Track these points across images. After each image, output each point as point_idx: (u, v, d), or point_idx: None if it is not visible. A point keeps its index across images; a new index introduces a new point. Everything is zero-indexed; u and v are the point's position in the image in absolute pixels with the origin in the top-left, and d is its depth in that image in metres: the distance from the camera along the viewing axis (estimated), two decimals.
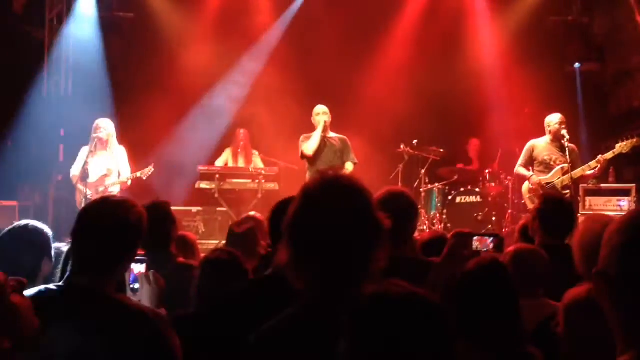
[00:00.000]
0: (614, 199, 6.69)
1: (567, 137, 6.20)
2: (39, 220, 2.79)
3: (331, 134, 6.82)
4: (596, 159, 6.16)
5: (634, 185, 6.73)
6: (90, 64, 8.46)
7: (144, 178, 6.61)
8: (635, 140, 6.15)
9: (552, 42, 8.88)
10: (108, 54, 8.60)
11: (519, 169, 6.57)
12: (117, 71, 8.67)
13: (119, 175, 6.53)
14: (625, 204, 6.57)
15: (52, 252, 2.63)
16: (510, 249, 2.77)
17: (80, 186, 6.38)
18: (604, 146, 6.44)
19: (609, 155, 6.18)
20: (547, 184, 6.31)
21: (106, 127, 6.46)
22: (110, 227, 1.83)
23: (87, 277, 1.81)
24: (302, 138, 6.75)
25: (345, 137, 6.83)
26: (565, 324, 1.91)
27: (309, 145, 6.60)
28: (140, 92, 8.38)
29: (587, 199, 6.78)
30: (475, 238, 2.37)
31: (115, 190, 6.41)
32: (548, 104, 7.41)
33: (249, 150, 8.01)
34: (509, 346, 1.99)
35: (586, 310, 1.82)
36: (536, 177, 6.36)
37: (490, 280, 2.03)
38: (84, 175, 6.30)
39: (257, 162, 7.95)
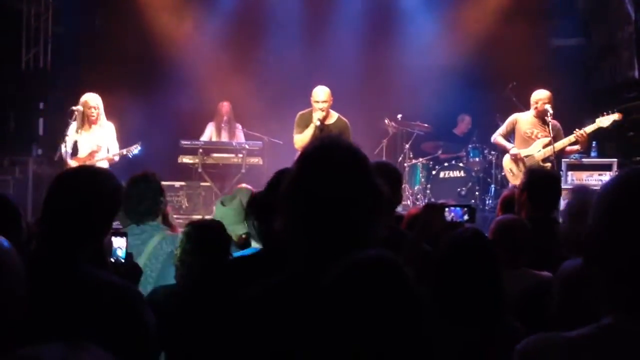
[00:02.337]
0: (596, 173, 6.75)
1: (551, 112, 6.20)
2: (18, 194, 2.71)
3: (331, 120, 6.25)
4: (576, 133, 6.14)
5: (615, 159, 6.80)
6: (70, 36, 8.30)
7: (130, 156, 6.51)
8: (616, 115, 6.16)
9: (538, 16, 8.85)
10: (88, 26, 8.44)
11: (498, 138, 6.54)
12: (97, 43, 8.51)
13: (108, 151, 6.47)
14: (607, 179, 6.61)
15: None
16: (497, 219, 2.81)
17: (70, 161, 6.31)
18: (587, 121, 6.47)
19: (591, 128, 6.17)
20: (526, 156, 6.34)
21: (95, 102, 6.36)
22: (83, 197, 1.77)
23: (57, 247, 1.75)
24: (297, 118, 6.31)
25: (346, 121, 6.32)
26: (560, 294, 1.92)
27: (300, 140, 6.16)
28: (121, 65, 8.25)
29: (569, 173, 6.84)
30: (448, 209, 2.38)
31: (103, 166, 6.30)
32: (533, 79, 7.41)
33: (232, 124, 7.93)
34: (491, 318, 2.01)
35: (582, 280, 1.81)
36: (516, 149, 6.38)
37: (473, 251, 2.04)
38: (74, 151, 6.27)
39: (240, 136, 7.89)
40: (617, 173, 1.19)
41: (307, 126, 6.23)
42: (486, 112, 8.45)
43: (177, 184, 7.69)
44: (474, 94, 8.65)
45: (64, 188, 1.81)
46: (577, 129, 6.16)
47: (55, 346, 1.00)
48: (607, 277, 1.11)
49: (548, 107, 6.20)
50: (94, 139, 6.38)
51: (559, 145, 6.18)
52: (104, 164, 6.33)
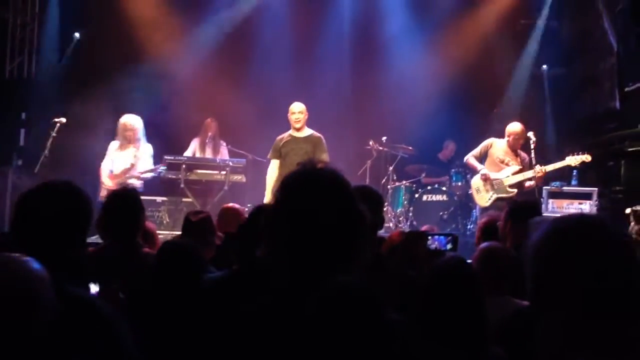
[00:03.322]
0: (576, 202, 6.83)
1: (534, 139, 6.47)
2: None
3: (304, 133, 6.73)
4: (535, 170, 6.40)
5: (596, 188, 6.88)
6: (55, 45, 8.25)
7: (156, 174, 6.81)
8: (585, 157, 6.42)
9: (522, 45, 9.00)
10: (74, 36, 8.40)
11: (470, 159, 6.81)
12: (83, 54, 8.47)
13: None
14: (586, 207, 6.71)
15: None
16: (481, 246, 2.82)
17: (105, 179, 6.57)
18: (568, 149, 6.59)
19: (549, 167, 6.46)
20: (495, 179, 6.57)
21: (132, 125, 6.60)
22: (50, 214, 1.74)
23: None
24: (275, 142, 6.78)
25: (319, 136, 6.73)
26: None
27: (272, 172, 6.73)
28: (106, 78, 8.20)
29: (550, 201, 6.91)
30: (431, 237, 2.39)
31: (135, 184, 6.57)
32: (516, 106, 7.52)
33: (217, 141, 7.90)
34: (474, 345, 2.02)
35: None
36: (486, 170, 6.62)
37: (457, 279, 2.05)
38: (110, 170, 6.60)
39: (225, 153, 7.87)
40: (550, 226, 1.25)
41: (279, 151, 6.74)
42: (470, 136, 8.53)
43: (159, 199, 7.60)
44: (459, 119, 8.73)
45: (28, 207, 1.78)
46: (539, 165, 6.38)
47: None
48: (570, 320, 1.15)
49: (531, 134, 6.50)
50: (129, 158, 6.63)
51: (519, 176, 6.47)
52: (136, 182, 6.62)
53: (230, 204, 4.46)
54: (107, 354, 1.67)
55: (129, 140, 6.63)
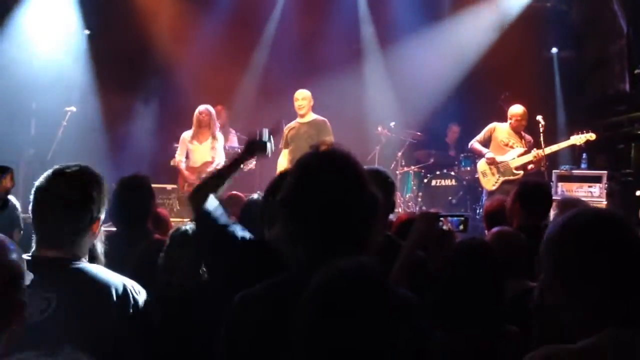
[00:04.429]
0: (586, 185, 6.81)
1: (543, 122, 6.43)
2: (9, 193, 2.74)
3: (308, 118, 6.78)
4: (533, 153, 6.42)
5: (605, 171, 6.86)
6: (65, 34, 8.28)
7: (245, 169, 6.89)
8: (589, 135, 6.42)
9: (531, 28, 8.93)
10: (83, 24, 8.42)
11: (475, 144, 6.84)
12: (93, 42, 8.49)
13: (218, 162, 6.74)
14: (596, 190, 6.70)
15: (21, 223, 2.60)
16: (493, 230, 2.85)
17: (183, 169, 6.61)
18: (578, 132, 6.58)
19: (552, 149, 6.47)
20: (501, 162, 6.59)
21: (212, 114, 6.66)
22: (66, 199, 1.79)
23: (53, 249, 1.79)
24: (283, 132, 6.80)
25: (323, 119, 6.77)
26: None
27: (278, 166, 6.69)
28: (115, 68, 8.23)
29: (560, 184, 6.90)
30: (442, 219, 2.40)
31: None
32: (525, 89, 7.49)
33: (226, 128, 7.94)
34: (491, 323, 2.07)
35: None
36: (492, 154, 6.64)
37: (480, 260, 2.11)
38: (187, 160, 6.62)
39: (234, 140, 7.91)
40: (563, 217, 1.38)
41: (287, 139, 6.77)
42: (479, 121, 8.50)
43: (169, 186, 7.65)
44: (468, 104, 8.70)
45: (46, 193, 1.83)
46: (535, 149, 6.42)
47: (28, 355, 1.02)
48: (580, 304, 1.25)
49: (540, 118, 6.46)
50: (208, 150, 6.64)
51: (529, 157, 6.47)
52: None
53: (233, 192, 4.49)
54: (138, 331, 1.78)
55: (210, 129, 6.61)
